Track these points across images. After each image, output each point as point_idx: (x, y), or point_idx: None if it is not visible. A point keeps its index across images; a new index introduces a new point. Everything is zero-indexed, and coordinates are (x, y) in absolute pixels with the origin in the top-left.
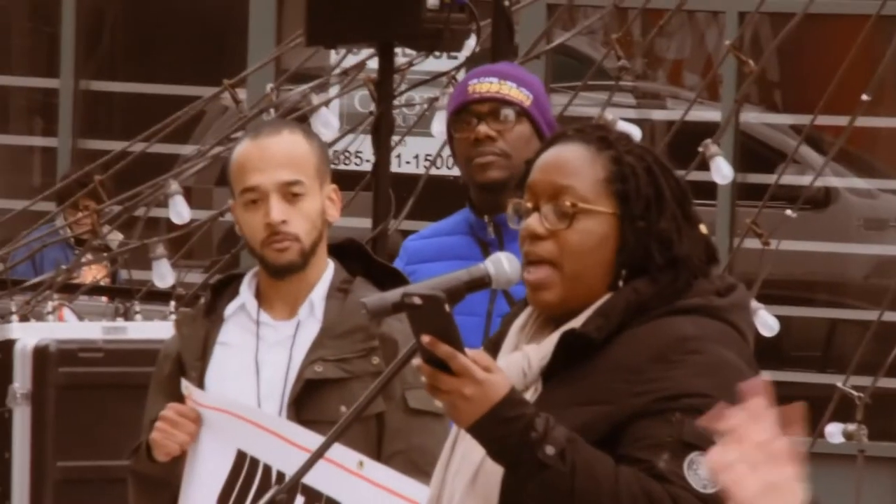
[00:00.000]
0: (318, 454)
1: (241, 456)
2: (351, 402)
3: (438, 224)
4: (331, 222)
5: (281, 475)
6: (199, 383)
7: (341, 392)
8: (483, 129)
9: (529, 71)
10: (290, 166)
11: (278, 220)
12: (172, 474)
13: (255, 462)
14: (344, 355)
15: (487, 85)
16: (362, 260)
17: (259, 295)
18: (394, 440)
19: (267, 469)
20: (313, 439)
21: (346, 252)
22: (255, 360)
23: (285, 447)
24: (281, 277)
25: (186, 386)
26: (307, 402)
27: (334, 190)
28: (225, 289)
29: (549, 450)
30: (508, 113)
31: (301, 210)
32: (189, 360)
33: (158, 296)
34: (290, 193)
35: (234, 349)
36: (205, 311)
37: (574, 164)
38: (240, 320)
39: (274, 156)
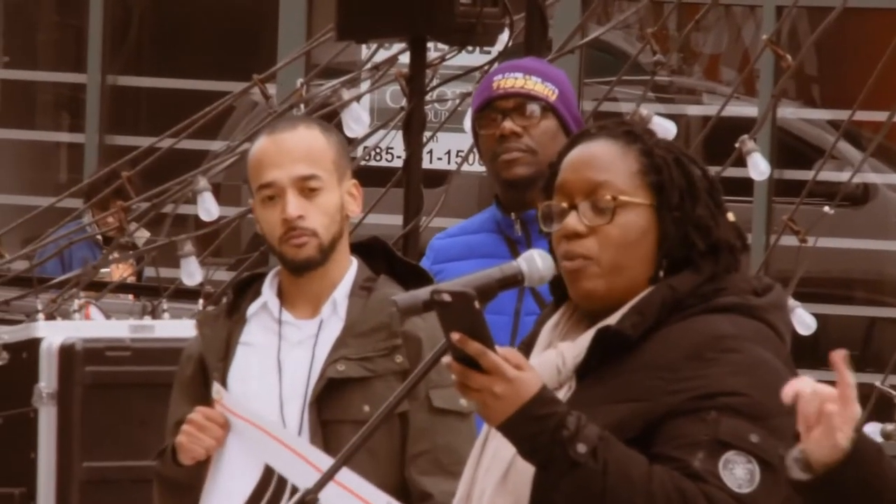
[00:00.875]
0: (347, 456)
1: (269, 472)
2: (374, 401)
3: (465, 222)
4: (351, 217)
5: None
6: (222, 384)
7: (364, 391)
8: (508, 125)
9: (560, 66)
10: (306, 161)
11: (295, 215)
12: (197, 478)
13: (283, 481)
14: (367, 354)
15: (512, 80)
16: (386, 258)
17: (281, 294)
18: (419, 440)
19: (295, 491)
20: (360, 483)
21: (371, 250)
22: (278, 360)
23: (312, 473)
24: (300, 274)
25: (218, 390)
26: (329, 402)
27: (354, 185)
28: (247, 288)
29: (581, 448)
30: (534, 108)
31: (318, 205)
32: (212, 361)
33: (186, 294)
34: (307, 188)
35: (256, 349)
36: (227, 310)
37: (606, 158)
38: (262, 320)
39: (290, 151)
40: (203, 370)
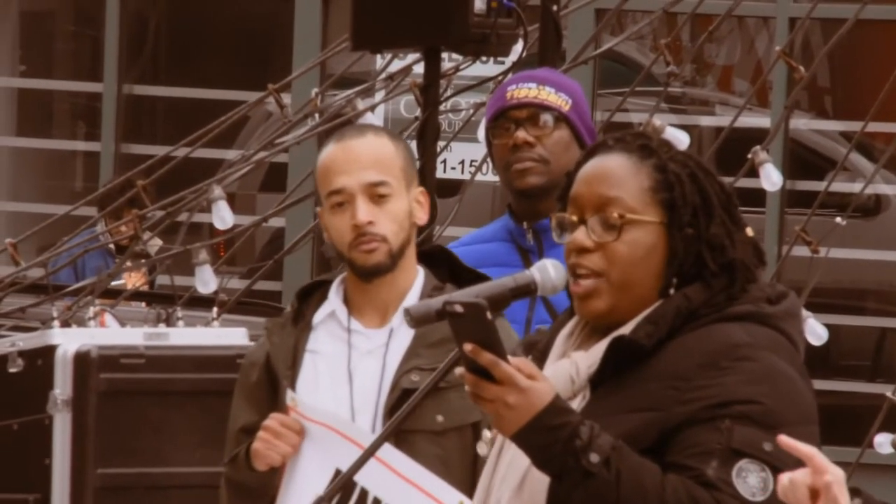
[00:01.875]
0: (370, 453)
1: (338, 475)
2: (448, 412)
3: (478, 231)
4: (418, 225)
5: (377, 501)
6: (291, 391)
7: (438, 401)
8: (521, 134)
9: (573, 76)
10: (375, 167)
11: (365, 220)
12: (269, 484)
13: (352, 483)
14: (439, 365)
15: (526, 90)
16: (449, 266)
17: (347, 302)
18: None
19: (364, 493)
20: (412, 466)
21: (433, 258)
22: (348, 369)
23: (384, 472)
24: (369, 280)
25: (292, 397)
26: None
27: (422, 192)
28: (310, 296)
29: (594, 458)
30: (547, 118)
31: (388, 211)
32: (280, 369)
33: (200, 302)
34: (377, 195)
35: (324, 357)
36: (292, 318)
37: (618, 174)
38: (329, 328)
39: (359, 157)
40: (269, 377)
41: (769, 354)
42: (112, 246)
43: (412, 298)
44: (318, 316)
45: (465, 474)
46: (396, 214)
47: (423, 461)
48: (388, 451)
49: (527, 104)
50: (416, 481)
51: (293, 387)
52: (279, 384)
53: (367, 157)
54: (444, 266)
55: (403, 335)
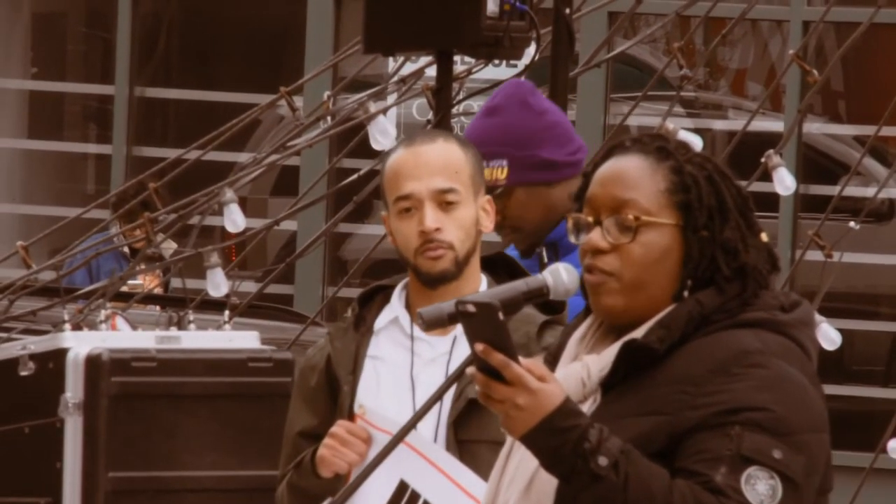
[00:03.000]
0: (389, 450)
1: (402, 486)
2: None
3: None
4: (484, 233)
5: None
6: (352, 397)
7: None
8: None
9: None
10: (444, 174)
11: (432, 227)
12: (333, 491)
13: (415, 496)
14: None
15: None
16: (510, 273)
17: (410, 308)
18: None
19: (415, 496)
20: (477, 482)
21: (494, 265)
22: (411, 377)
23: (449, 487)
24: (434, 287)
25: (360, 405)
26: (469, 422)
27: (489, 200)
28: (370, 301)
29: (602, 461)
30: (498, 198)
31: (455, 218)
32: (342, 374)
33: (212, 305)
34: (445, 201)
35: (386, 364)
36: (353, 323)
37: (634, 175)
38: (392, 334)
39: (429, 163)
40: (329, 382)
41: (780, 362)
42: (126, 249)
43: None
44: (380, 321)
45: None
46: (463, 222)
47: (487, 471)
48: (449, 461)
49: None
50: (454, 477)
51: (354, 392)
52: (339, 389)
53: (437, 163)
54: (505, 272)
55: (467, 344)
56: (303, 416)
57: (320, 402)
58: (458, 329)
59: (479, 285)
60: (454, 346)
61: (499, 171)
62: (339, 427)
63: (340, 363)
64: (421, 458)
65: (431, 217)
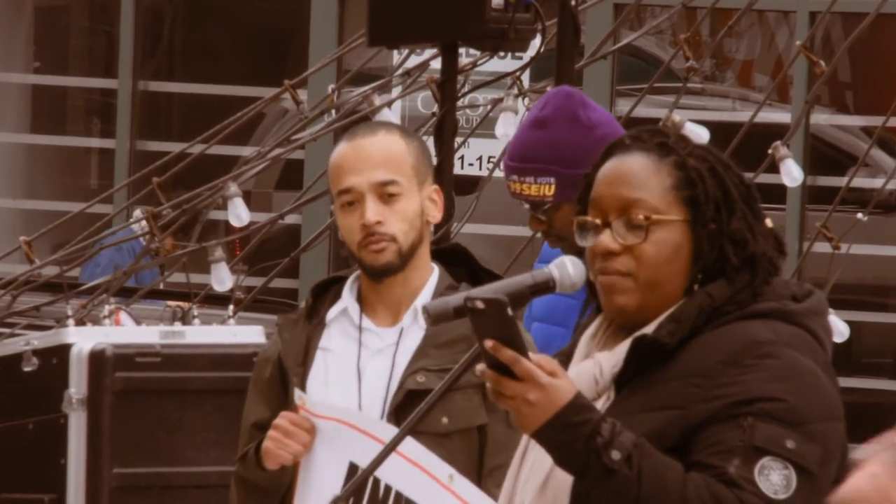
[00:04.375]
0: (388, 450)
1: (353, 469)
2: (453, 414)
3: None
4: (432, 223)
5: (388, 488)
6: (301, 388)
7: (443, 403)
8: (533, 223)
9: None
10: (385, 166)
11: (373, 220)
12: (280, 483)
13: (387, 489)
14: (447, 366)
15: (512, 184)
16: (467, 265)
17: (361, 300)
18: (496, 454)
19: (376, 482)
20: (424, 453)
21: (452, 257)
22: (357, 368)
23: (397, 459)
24: (379, 280)
25: (300, 396)
26: (408, 413)
27: (436, 190)
28: (325, 292)
29: (615, 455)
30: (540, 215)
31: (398, 210)
32: (291, 366)
33: (216, 299)
34: (386, 194)
35: (335, 355)
36: (306, 314)
37: (639, 174)
38: (342, 325)
39: (369, 156)
40: (282, 373)
41: (792, 351)
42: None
43: (425, 297)
44: (332, 313)
45: (470, 477)
46: (406, 214)
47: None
48: (409, 443)
49: (523, 199)
50: (432, 472)
51: (304, 383)
52: (290, 381)
53: (377, 155)
54: (463, 265)
55: (414, 335)
56: (257, 408)
57: (273, 394)
58: (406, 320)
59: (428, 276)
60: (401, 337)
61: (546, 188)
62: (283, 419)
63: (289, 355)
64: (366, 436)
65: (372, 210)
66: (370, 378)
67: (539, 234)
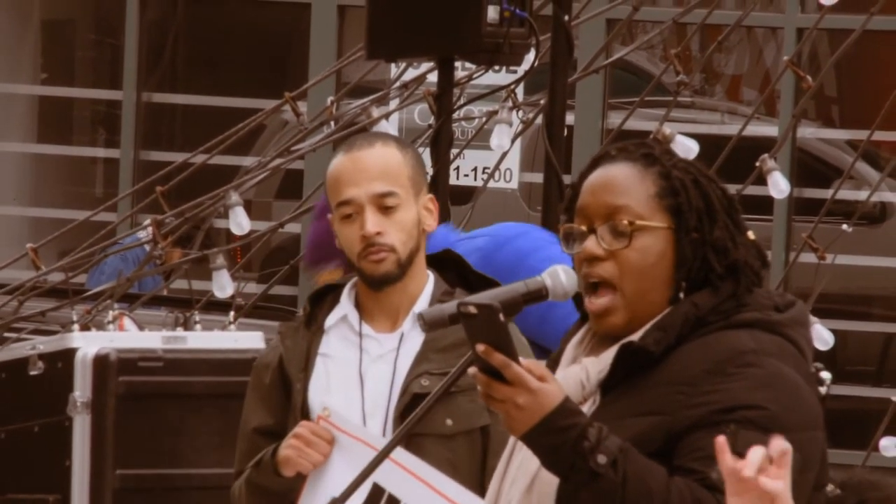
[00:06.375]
0: (383, 456)
1: (377, 490)
2: (457, 416)
3: None
4: (428, 232)
5: (394, 499)
6: (304, 395)
7: (448, 406)
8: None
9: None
10: (383, 178)
11: (373, 231)
12: (292, 489)
13: (393, 500)
14: (449, 369)
15: None
16: (459, 270)
17: (359, 306)
18: (499, 454)
19: (379, 491)
20: (427, 469)
21: (443, 263)
22: (359, 373)
23: (423, 489)
24: (379, 289)
25: (325, 408)
26: None
27: (431, 199)
28: (322, 299)
29: (601, 459)
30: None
31: (396, 221)
32: (293, 372)
33: (218, 306)
34: (385, 205)
35: (336, 361)
36: (305, 321)
37: (624, 182)
38: (341, 332)
39: (367, 168)
40: (283, 379)
41: (775, 361)
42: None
43: (422, 303)
44: (331, 320)
45: (474, 477)
46: (405, 224)
47: (433, 464)
48: (403, 454)
49: None
50: (433, 484)
51: (305, 390)
52: (292, 387)
53: (375, 167)
54: (454, 270)
55: (414, 340)
56: (258, 413)
57: (275, 400)
58: (406, 325)
59: (424, 282)
60: (401, 343)
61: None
62: (304, 428)
63: (292, 361)
64: (393, 464)
65: (372, 221)
66: (372, 383)
67: None
